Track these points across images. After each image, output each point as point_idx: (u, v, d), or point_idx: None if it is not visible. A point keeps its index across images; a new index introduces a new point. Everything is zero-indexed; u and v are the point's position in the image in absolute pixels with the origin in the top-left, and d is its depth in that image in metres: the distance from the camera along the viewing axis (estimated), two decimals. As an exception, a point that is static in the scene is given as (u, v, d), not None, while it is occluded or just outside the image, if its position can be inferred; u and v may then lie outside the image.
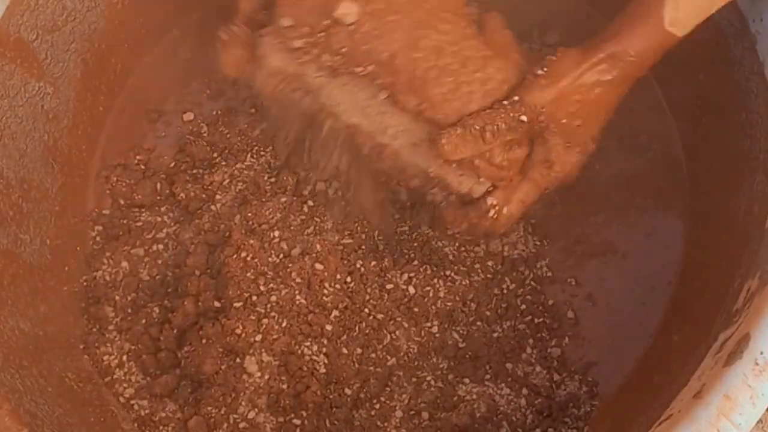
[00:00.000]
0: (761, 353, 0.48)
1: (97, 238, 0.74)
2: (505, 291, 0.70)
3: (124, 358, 0.70)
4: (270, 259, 0.70)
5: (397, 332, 0.69)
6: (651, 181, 0.73)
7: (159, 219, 0.75)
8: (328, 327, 0.68)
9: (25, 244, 0.66)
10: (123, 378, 0.69)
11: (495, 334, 0.69)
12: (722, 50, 0.64)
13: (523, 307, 0.70)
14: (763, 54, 0.60)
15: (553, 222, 0.73)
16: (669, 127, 0.74)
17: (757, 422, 0.47)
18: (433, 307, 0.69)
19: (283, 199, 0.73)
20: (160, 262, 0.73)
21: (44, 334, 0.65)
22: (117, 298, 0.71)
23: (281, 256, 0.70)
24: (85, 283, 0.72)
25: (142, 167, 0.77)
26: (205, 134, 0.78)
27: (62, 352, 0.67)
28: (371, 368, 0.68)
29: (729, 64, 0.64)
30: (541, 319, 0.70)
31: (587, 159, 0.59)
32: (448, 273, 0.71)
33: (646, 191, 0.73)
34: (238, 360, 0.66)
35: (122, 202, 0.75)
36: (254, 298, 0.67)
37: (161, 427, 0.67)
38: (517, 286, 0.71)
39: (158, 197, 0.75)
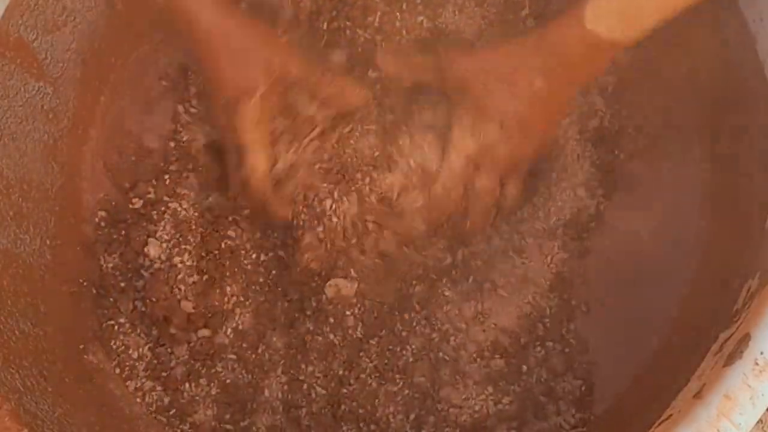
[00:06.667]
0: (761, 353, 0.48)
1: (101, 224, 0.73)
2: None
3: (139, 349, 0.70)
4: None
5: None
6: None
7: (164, 201, 0.74)
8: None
9: (25, 244, 0.66)
10: (138, 368, 0.69)
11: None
12: (722, 50, 0.64)
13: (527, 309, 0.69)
14: (763, 54, 0.60)
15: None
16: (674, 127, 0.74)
17: (757, 422, 0.47)
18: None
19: None
20: (166, 247, 0.72)
21: (44, 334, 0.65)
22: (123, 284, 0.71)
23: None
24: (86, 280, 0.72)
25: (144, 152, 0.76)
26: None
27: (62, 352, 0.67)
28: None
29: (729, 64, 0.64)
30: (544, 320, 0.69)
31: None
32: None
33: (650, 188, 0.73)
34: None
35: (127, 185, 0.74)
36: (261, 279, 0.68)
37: (173, 415, 0.68)
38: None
39: (161, 180, 0.74)
